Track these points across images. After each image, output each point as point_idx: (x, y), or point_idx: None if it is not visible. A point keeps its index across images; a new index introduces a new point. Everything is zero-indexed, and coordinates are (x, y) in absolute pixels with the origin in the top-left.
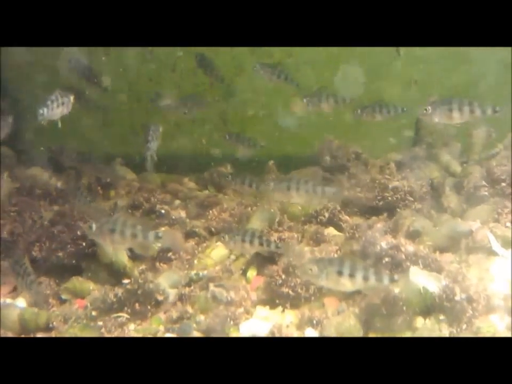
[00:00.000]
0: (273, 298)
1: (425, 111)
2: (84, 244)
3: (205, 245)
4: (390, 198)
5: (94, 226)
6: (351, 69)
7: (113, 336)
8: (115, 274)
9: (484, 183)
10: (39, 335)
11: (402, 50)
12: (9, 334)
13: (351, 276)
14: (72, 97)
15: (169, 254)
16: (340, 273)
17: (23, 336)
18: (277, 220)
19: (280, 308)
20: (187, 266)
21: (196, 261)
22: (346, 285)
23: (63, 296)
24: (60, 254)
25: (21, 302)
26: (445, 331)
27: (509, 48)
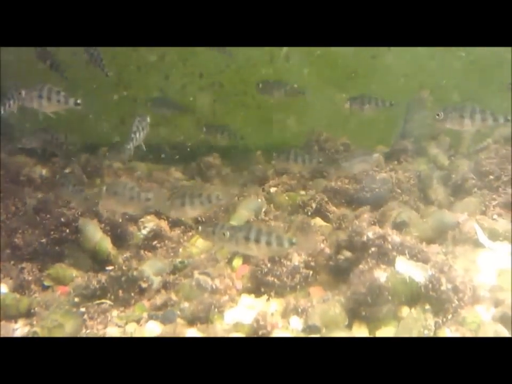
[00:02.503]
0: (258, 287)
1: (437, 116)
2: (67, 230)
3: (190, 233)
4: (377, 190)
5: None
6: None
7: (97, 325)
8: (99, 261)
9: (471, 175)
10: (20, 320)
11: None
12: None
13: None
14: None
15: (154, 242)
16: (247, 238)
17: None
18: (263, 209)
19: (265, 296)
20: (172, 254)
21: (181, 249)
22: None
23: (46, 283)
24: (43, 240)
25: (3, 288)
26: (430, 321)
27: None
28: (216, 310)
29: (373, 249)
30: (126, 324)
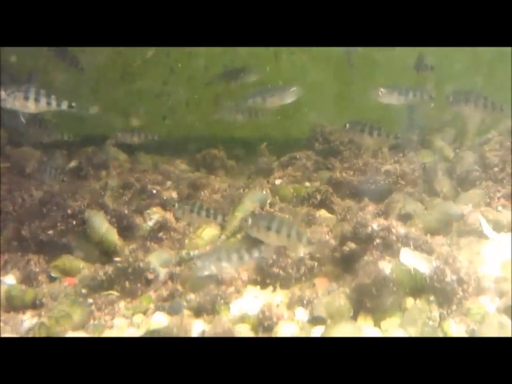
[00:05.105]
0: (264, 278)
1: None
2: (74, 222)
3: (196, 225)
4: (382, 182)
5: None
6: None
7: (105, 315)
8: (105, 252)
9: (476, 167)
10: (27, 312)
11: None
12: None
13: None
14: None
15: (160, 234)
16: (268, 228)
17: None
18: (268, 201)
19: (270, 288)
20: (178, 246)
21: (186, 241)
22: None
23: (53, 274)
24: (50, 232)
25: (10, 279)
26: (435, 312)
27: None
28: (222, 301)
29: (377, 240)
30: (133, 315)
